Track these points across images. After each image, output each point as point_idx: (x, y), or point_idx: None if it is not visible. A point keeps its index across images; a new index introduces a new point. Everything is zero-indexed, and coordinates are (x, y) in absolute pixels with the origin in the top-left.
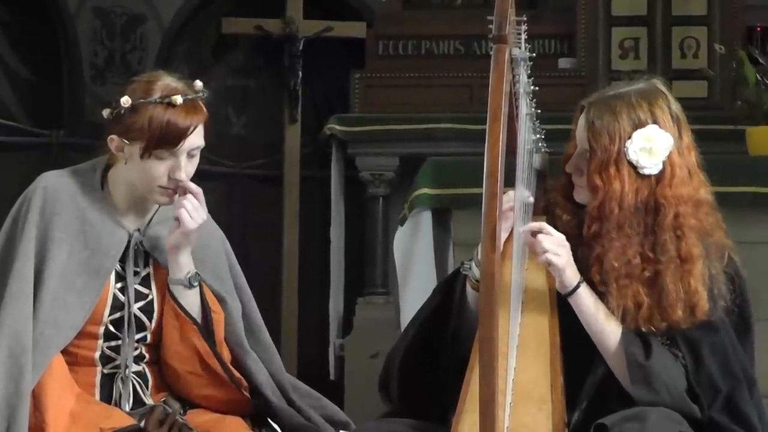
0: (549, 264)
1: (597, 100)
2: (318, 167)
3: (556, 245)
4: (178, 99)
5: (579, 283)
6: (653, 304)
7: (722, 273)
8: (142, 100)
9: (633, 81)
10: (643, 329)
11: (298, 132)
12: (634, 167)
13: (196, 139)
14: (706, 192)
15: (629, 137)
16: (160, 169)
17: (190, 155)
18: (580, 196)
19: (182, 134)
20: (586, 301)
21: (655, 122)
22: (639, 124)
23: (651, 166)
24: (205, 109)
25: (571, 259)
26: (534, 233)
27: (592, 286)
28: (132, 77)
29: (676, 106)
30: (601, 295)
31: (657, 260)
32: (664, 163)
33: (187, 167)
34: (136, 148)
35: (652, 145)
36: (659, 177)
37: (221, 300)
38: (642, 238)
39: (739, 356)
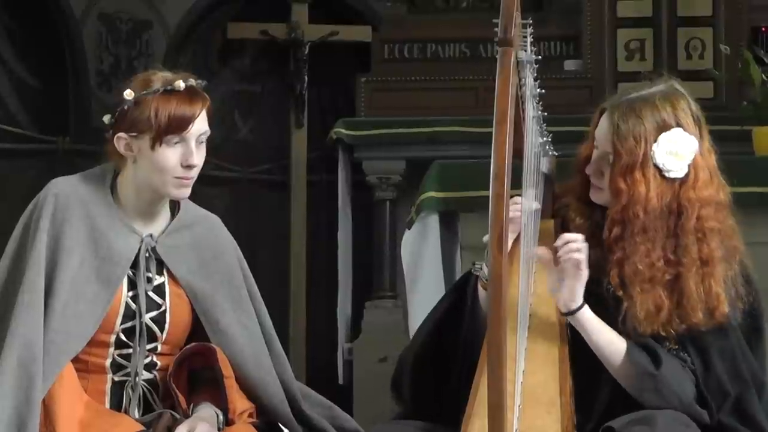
0: (578, 267)
1: (620, 103)
2: (325, 171)
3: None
4: (181, 84)
5: (583, 302)
6: (672, 307)
7: (739, 275)
8: (144, 92)
9: (653, 82)
10: (662, 333)
11: (304, 136)
12: (659, 170)
13: (202, 124)
14: (725, 194)
15: (655, 140)
16: (172, 157)
17: (198, 142)
18: (598, 197)
19: (190, 117)
20: (590, 317)
21: (678, 125)
22: (664, 127)
23: (677, 169)
24: (206, 95)
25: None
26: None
27: (611, 289)
28: None
29: (696, 108)
30: (618, 300)
31: (678, 263)
32: (689, 166)
33: (197, 155)
34: (146, 140)
35: (678, 149)
36: (683, 180)
37: (225, 334)
38: (664, 242)
39: (749, 360)
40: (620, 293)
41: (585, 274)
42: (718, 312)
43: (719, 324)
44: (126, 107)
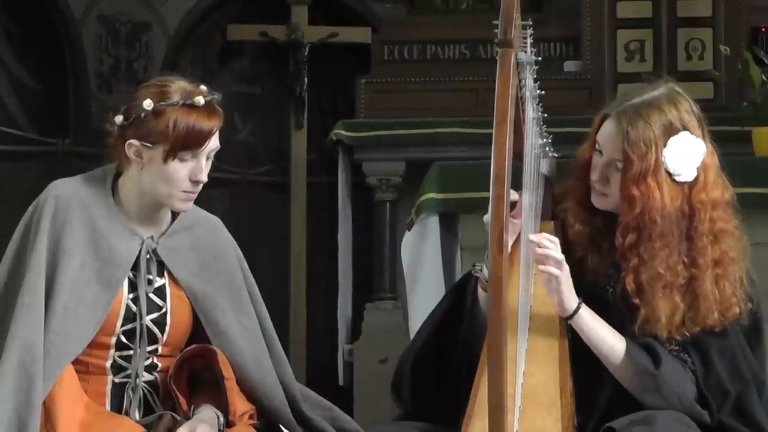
0: (558, 281)
1: (625, 109)
2: (324, 173)
3: (559, 261)
4: (201, 100)
5: (579, 303)
6: (686, 310)
7: (746, 275)
8: (163, 103)
9: (652, 85)
10: (676, 336)
11: (304, 138)
12: (670, 175)
13: (215, 141)
14: (730, 194)
15: (664, 145)
16: (182, 172)
17: (207, 158)
18: (603, 203)
19: (207, 135)
20: (588, 320)
21: (685, 127)
22: (671, 130)
23: (687, 173)
24: (221, 110)
25: (570, 279)
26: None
27: (624, 295)
28: (138, 85)
29: (697, 109)
30: (634, 306)
31: (693, 265)
32: (697, 169)
33: (206, 171)
34: (158, 151)
35: (687, 153)
36: (692, 183)
37: (224, 335)
38: (679, 245)
39: (749, 360)
40: (636, 300)
41: (566, 285)
42: (730, 313)
43: (725, 324)
44: (143, 115)
